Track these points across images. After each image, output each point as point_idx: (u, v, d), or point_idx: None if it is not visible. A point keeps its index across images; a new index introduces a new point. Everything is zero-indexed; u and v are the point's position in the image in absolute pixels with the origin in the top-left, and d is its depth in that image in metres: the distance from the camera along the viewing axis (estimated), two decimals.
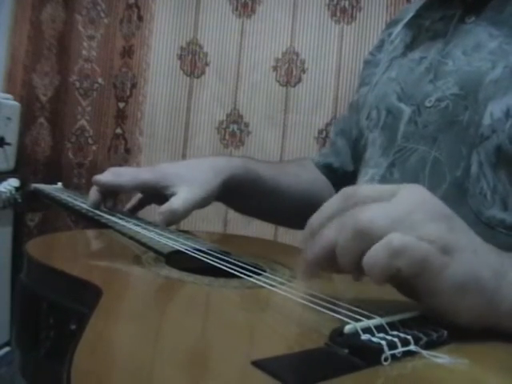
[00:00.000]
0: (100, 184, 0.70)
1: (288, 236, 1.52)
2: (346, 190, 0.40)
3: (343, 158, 0.84)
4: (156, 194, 0.70)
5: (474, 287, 0.35)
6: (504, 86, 0.56)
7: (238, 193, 0.73)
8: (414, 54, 0.70)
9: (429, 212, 0.36)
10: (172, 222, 0.66)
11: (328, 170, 0.86)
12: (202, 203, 0.68)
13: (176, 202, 0.66)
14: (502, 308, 0.36)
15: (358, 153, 0.78)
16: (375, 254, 0.34)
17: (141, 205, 0.77)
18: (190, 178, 0.68)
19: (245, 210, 0.86)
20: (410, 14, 0.77)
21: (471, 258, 0.36)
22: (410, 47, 0.72)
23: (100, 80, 1.61)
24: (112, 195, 0.73)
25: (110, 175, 0.70)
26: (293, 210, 0.80)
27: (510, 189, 0.54)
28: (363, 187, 0.40)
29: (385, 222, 0.35)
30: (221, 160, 0.73)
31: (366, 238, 0.35)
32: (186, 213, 0.67)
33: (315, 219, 0.40)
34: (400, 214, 0.35)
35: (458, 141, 0.58)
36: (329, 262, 0.38)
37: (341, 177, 0.84)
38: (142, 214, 1.51)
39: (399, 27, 0.79)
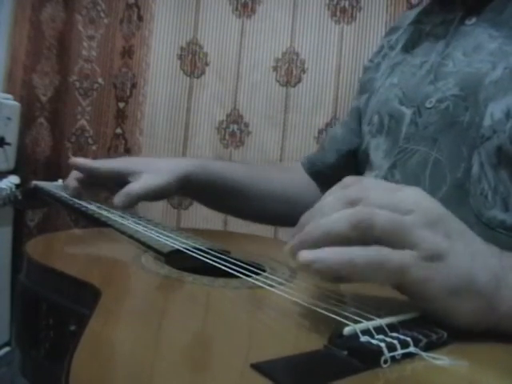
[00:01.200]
0: (77, 165, 0.76)
1: (288, 236, 1.52)
2: (347, 179, 0.40)
3: (329, 161, 0.86)
4: (124, 181, 0.74)
5: (470, 291, 0.35)
6: (504, 86, 0.56)
7: (196, 190, 0.79)
8: (415, 59, 0.70)
9: (426, 216, 0.36)
10: (127, 204, 0.72)
11: (315, 174, 0.88)
12: (159, 191, 0.74)
13: (132, 186, 0.72)
14: (502, 310, 0.36)
15: (359, 158, 0.78)
16: (351, 259, 0.34)
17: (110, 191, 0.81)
18: (153, 168, 0.75)
19: (210, 206, 0.92)
20: (410, 20, 0.77)
21: (467, 262, 0.36)
22: (411, 53, 0.72)
23: (100, 80, 1.60)
24: (90, 185, 0.78)
25: (84, 159, 0.77)
26: (260, 208, 0.84)
27: (511, 189, 0.54)
28: (366, 179, 0.41)
29: (384, 223, 0.35)
30: (183, 159, 0.82)
31: (362, 232, 0.35)
32: (140, 197, 0.73)
33: (313, 209, 0.40)
34: (398, 218, 0.35)
35: (459, 142, 0.58)
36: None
37: (325, 171, 0.86)
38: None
39: (399, 33, 0.79)
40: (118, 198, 0.72)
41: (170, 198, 0.81)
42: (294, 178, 0.88)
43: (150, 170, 0.74)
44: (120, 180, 0.75)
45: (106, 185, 0.80)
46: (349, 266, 0.34)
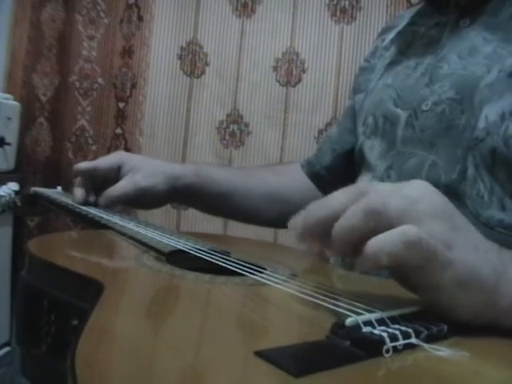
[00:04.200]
0: (80, 170, 0.78)
1: (288, 237, 1.52)
2: (353, 186, 0.40)
3: (325, 161, 0.87)
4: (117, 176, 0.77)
5: (474, 284, 0.35)
6: (499, 89, 0.56)
7: (187, 193, 0.80)
8: (410, 60, 0.70)
9: (433, 208, 0.37)
10: (111, 204, 0.76)
11: (313, 176, 0.88)
12: (142, 192, 0.76)
13: (117, 188, 0.75)
14: (502, 305, 0.36)
15: (355, 158, 0.78)
16: (389, 239, 0.34)
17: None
18: (140, 168, 0.77)
19: (204, 210, 0.93)
20: (404, 22, 0.78)
21: (471, 255, 0.36)
22: (405, 54, 0.72)
23: (100, 80, 1.61)
24: (93, 188, 0.79)
25: (86, 162, 0.79)
26: (253, 209, 0.86)
27: (507, 189, 0.55)
28: (370, 184, 0.41)
29: (397, 208, 0.35)
30: (175, 164, 0.82)
31: (377, 219, 0.35)
32: (121, 198, 0.75)
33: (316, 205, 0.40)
34: (409, 204, 0.36)
35: (455, 144, 0.58)
36: (323, 234, 0.38)
37: (322, 173, 0.87)
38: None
39: (393, 33, 0.80)
40: (102, 198, 0.75)
41: (161, 202, 0.82)
42: (287, 180, 0.88)
43: (136, 168, 0.76)
44: (115, 173, 0.77)
45: (109, 183, 0.79)
46: (388, 247, 0.34)
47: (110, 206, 0.75)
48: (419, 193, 0.37)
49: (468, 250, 0.36)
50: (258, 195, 0.84)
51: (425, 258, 0.34)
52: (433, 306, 0.36)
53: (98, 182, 0.79)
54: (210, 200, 0.83)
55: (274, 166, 0.96)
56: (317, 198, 0.41)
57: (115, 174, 0.77)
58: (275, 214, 0.85)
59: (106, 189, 0.77)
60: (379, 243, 0.34)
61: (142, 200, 0.78)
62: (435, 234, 0.35)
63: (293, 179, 0.89)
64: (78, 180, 0.78)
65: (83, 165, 0.78)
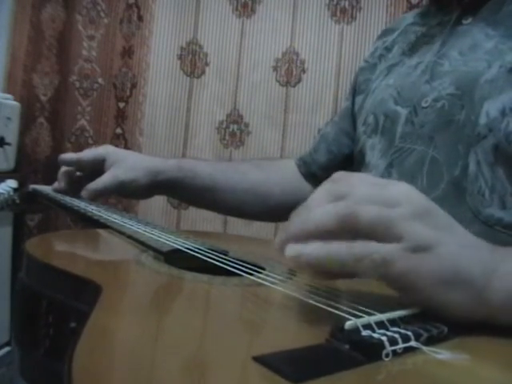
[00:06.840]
0: (64, 160, 0.80)
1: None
2: (337, 174, 0.41)
3: (321, 162, 0.87)
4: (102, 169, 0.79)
5: (460, 282, 0.35)
6: (499, 85, 0.56)
7: (170, 187, 0.82)
8: (412, 60, 0.70)
9: (413, 208, 0.37)
10: (94, 198, 0.77)
11: (310, 176, 0.89)
12: (122, 186, 0.78)
13: (99, 182, 0.77)
14: (494, 302, 0.36)
15: (355, 158, 0.78)
16: (337, 251, 0.35)
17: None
18: (122, 162, 0.78)
19: (186, 202, 0.97)
20: (406, 22, 0.78)
21: (455, 253, 0.36)
22: (407, 54, 0.72)
23: (100, 80, 1.61)
24: (78, 181, 0.82)
25: (71, 153, 0.82)
26: (234, 204, 0.87)
27: (508, 187, 0.54)
28: (355, 174, 0.41)
29: (369, 219, 0.36)
30: (158, 159, 0.83)
31: (348, 227, 0.36)
32: (102, 192, 0.77)
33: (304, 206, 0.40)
34: (385, 209, 0.36)
35: (455, 140, 0.58)
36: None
37: (318, 172, 0.88)
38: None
39: (395, 35, 0.79)
40: (86, 192, 0.76)
41: (144, 194, 0.84)
42: (270, 176, 0.89)
43: (118, 163, 0.78)
44: (100, 166, 0.79)
45: (93, 174, 0.81)
46: (334, 259, 0.35)
47: (93, 199, 0.77)
48: (399, 196, 0.37)
49: (451, 248, 0.36)
50: (239, 190, 0.86)
51: (376, 269, 0.35)
52: (423, 307, 0.36)
53: (85, 174, 0.81)
54: (192, 194, 0.85)
55: (259, 161, 0.97)
56: (299, 195, 0.41)
57: (100, 167, 0.78)
58: (256, 209, 0.87)
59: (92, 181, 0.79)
60: (329, 254, 0.35)
61: (123, 192, 0.81)
62: (408, 235, 0.35)
63: (276, 175, 0.89)
64: (61, 170, 0.81)
65: (67, 156, 0.81)
